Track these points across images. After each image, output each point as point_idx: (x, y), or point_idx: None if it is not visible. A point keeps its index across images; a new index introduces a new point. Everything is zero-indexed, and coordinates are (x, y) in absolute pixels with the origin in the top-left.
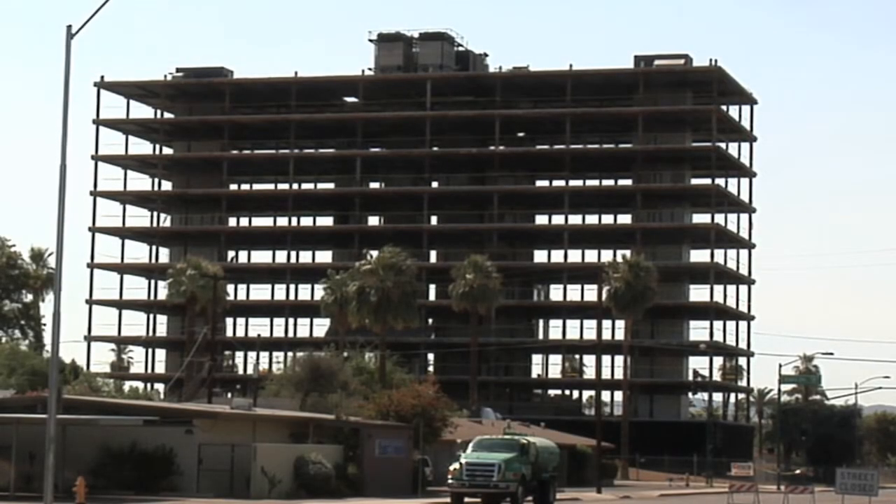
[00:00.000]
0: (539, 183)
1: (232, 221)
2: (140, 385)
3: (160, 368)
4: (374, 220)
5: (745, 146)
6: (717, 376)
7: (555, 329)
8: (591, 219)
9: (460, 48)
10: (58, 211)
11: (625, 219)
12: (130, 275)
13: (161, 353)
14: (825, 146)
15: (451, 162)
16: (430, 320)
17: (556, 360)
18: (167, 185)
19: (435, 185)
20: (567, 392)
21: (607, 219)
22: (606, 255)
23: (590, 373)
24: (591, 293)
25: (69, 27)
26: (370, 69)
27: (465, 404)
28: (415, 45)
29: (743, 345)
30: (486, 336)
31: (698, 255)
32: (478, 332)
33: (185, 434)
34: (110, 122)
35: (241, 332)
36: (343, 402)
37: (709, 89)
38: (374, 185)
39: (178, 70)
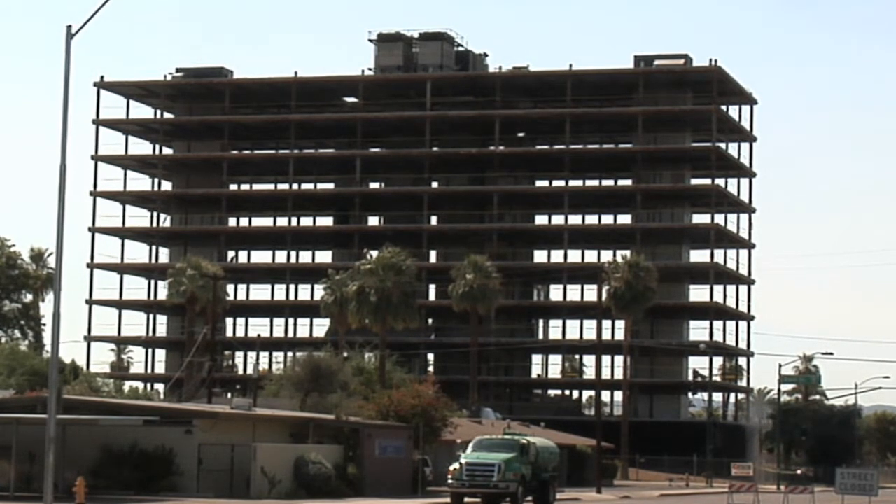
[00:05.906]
0: (539, 183)
1: (232, 221)
2: (140, 385)
3: (160, 368)
4: (374, 220)
5: (745, 146)
6: (716, 376)
7: (555, 329)
8: (591, 219)
9: (460, 48)
10: (58, 211)
11: (625, 219)
12: (130, 275)
13: (161, 354)
14: (825, 146)
15: (451, 162)
16: (430, 320)
17: (555, 360)
18: (167, 186)
19: (435, 185)
20: (567, 392)
21: (607, 219)
22: (606, 255)
23: (590, 373)
24: (591, 293)
25: (69, 27)
26: (370, 69)
27: (465, 404)
28: (415, 45)
29: (743, 345)
30: (485, 336)
31: (698, 256)
32: (478, 333)
33: (185, 434)
34: (110, 123)
35: (241, 332)
36: (343, 402)
37: (709, 89)
38: (374, 186)
39: (178, 70)
